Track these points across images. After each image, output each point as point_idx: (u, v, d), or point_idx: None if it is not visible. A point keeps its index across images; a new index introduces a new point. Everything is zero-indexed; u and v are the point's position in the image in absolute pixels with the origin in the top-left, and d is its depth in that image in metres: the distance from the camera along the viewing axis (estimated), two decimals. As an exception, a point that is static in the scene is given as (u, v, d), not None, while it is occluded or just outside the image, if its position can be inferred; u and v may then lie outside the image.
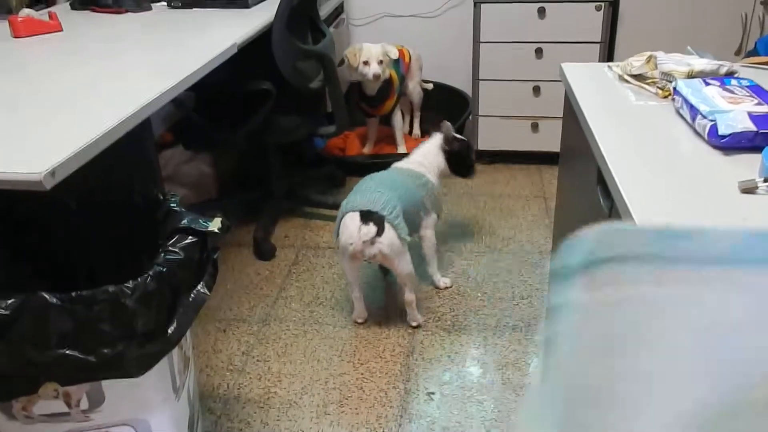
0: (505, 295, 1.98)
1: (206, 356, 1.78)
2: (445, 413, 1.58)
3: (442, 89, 2.96)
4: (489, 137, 2.68)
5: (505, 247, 2.21)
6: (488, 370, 1.71)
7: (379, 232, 1.69)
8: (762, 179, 0.82)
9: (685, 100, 1.02)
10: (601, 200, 0.98)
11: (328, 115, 2.35)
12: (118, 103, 1.22)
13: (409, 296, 1.83)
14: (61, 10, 2.17)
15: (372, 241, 1.69)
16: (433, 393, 1.64)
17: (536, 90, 2.55)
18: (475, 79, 2.58)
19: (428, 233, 1.95)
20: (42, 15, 1.83)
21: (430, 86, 2.88)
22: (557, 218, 1.54)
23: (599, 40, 2.44)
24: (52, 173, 0.97)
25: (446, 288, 2.02)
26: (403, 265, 1.78)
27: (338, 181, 2.61)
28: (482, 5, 2.46)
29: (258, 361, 1.77)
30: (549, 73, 2.51)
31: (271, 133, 2.09)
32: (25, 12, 1.81)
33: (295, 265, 2.18)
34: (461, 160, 2.01)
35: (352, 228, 1.69)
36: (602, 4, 2.38)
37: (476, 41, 2.52)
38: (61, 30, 1.82)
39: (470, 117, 2.70)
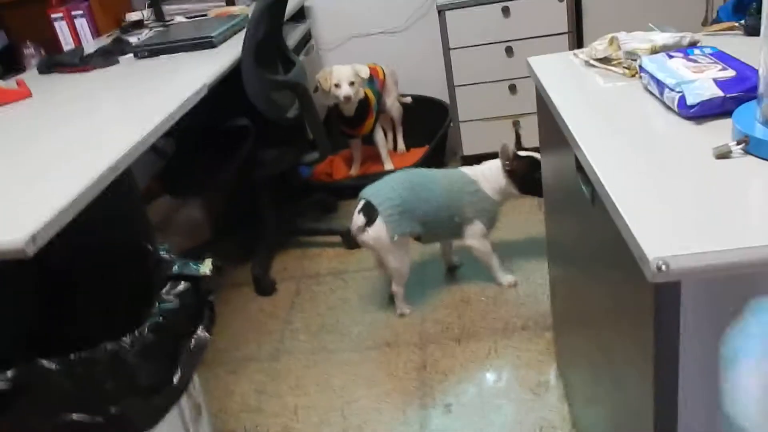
0: (509, 296, 1.97)
1: (219, 400, 1.77)
2: (466, 423, 1.55)
3: (420, 101, 2.97)
4: (473, 141, 2.68)
5: (501, 249, 2.20)
6: (503, 373, 1.69)
7: (369, 223, 1.83)
8: (735, 143, 0.81)
9: (652, 76, 1.02)
10: (583, 187, 0.98)
11: (310, 142, 2.35)
12: (95, 158, 1.22)
13: (394, 288, 1.95)
14: (29, 76, 2.18)
15: (362, 230, 1.84)
16: (450, 405, 1.62)
17: (512, 88, 2.56)
18: (451, 86, 2.59)
19: (473, 243, 1.94)
20: (9, 83, 1.84)
21: (408, 100, 2.89)
22: (547, 211, 1.53)
23: (566, 30, 2.45)
24: (33, 239, 0.97)
25: (511, 286, 1.99)
26: (390, 259, 1.88)
27: (330, 206, 2.61)
28: (446, 12, 2.48)
29: (272, 397, 1.75)
30: (522, 69, 2.48)
31: (255, 168, 2.09)
32: (-7, 84, 1.83)
33: (297, 296, 2.17)
34: (526, 177, 1.91)
35: (353, 215, 1.88)
36: (563, -5, 2.40)
37: (446, 48, 2.53)
38: (31, 95, 1.83)
39: (451, 124, 2.71)
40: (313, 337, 1.96)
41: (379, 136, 2.70)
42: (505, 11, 2.45)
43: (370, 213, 1.83)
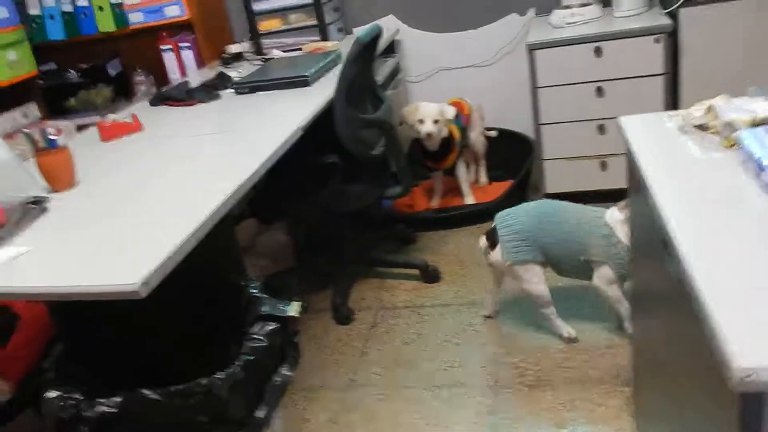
0: (588, 346, 1.93)
1: (295, 427, 1.83)
2: (536, 477, 1.54)
3: (505, 135, 2.97)
4: (557, 180, 2.65)
5: (585, 295, 2.16)
6: (577, 426, 1.66)
7: (492, 246, 1.95)
8: (839, 239, 0.78)
9: (750, 153, 1.00)
10: (669, 265, 0.97)
11: (393, 174, 2.41)
12: (201, 201, 1.33)
13: (541, 311, 1.98)
14: (141, 107, 2.37)
15: (486, 252, 1.97)
16: (521, 455, 1.61)
17: (601, 128, 2.51)
18: (537, 124, 2.58)
19: (600, 285, 1.89)
20: (126, 117, 2.01)
21: (494, 134, 2.90)
22: (633, 264, 1.50)
23: (662, 71, 2.39)
24: (146, 282, 1.06)
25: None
26: (522, 283, 1.94)
27: (408, 238, 2.66)
28: (536, 51, 2.48)
29: (344, 428, 1.80)
30: (612, 110, 2.47)
31: (340, 203, 2.17)
32: (111, 117, 2.00)
33: (373, 327, 2.22)
34: None
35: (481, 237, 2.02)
36: (661, 35, 2.34)
37: (534, 87, 2.53)
38: (142, 129, 2.00)
39: (536, 161, 2.69)
40: (387, 370, 2.00)
41: (461, 170, 2.73)
42: (598, 51, 2.41)
43: (494, 237, 1.94)
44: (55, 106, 2.96)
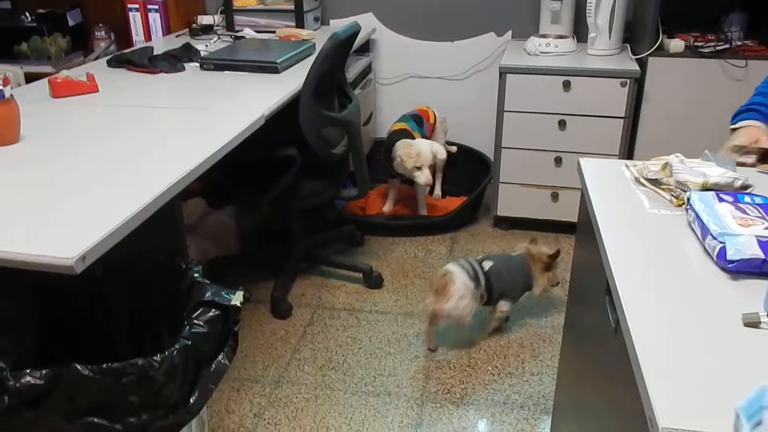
0: (515, 371, 1.98)
1: (219, 417, 1.80)
2: (450, 495, 1.56)
3: (465, 151, 3.00)
4: (508, 204, 2.70)
5: (519, 320, 2.21)
6: (495, 451, 1.70)
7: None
8: (766, 314, 0.82)
9: (697, 216, 1.04)
10: (609, 312, 1.00)
11: (350, 174, 2.40)
12: (150, 178, 1.28)
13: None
14: (98, 66, 2.27)
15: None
16: (438, 472, 1.63)
17: (558, 161, 2.57)
18: (498, 147, 2.62)
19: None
20: (80, 76, 1.92)
21: (454, 149, 2.93)
22: (570, 303, 1.54)
23: (623, 115, 2.46)
24: (83, 258, 1.02)
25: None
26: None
27: (356, 240, 2.65)
28: (507, 75, 2.51)
29: (269, 424, 1.78)
30: (571, 144, 2.54)
31: (294, 198, 2.14)
32: (64, 73, 1.90)
33: (310, 325, 2.20)
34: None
35: None
36: (627, 80, 2.41)
37: (500, 109, 2.56)
38: (98, 91, 1.91)
39: (491, 182, 2.73)
40: (318, 370, 1.99)
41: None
42: (566, 85, 2.47)
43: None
44: (4, 49, 2.80)
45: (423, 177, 2.51)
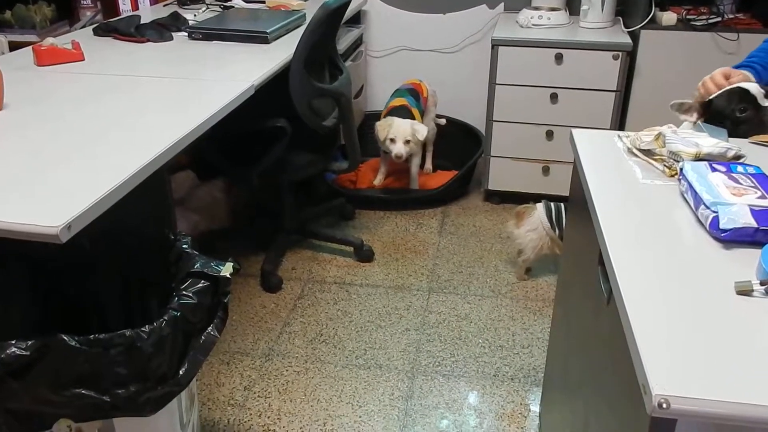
0: (505, 343, 1.99)
1: (209, 389, 1.81)
2: (440, 464, 1.58)
3: (456, 125, 2.98)
4: (499, 178, 2.69)
5: (510, 292, 2.22)
6: (485, 420, 1.71)
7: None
8: (758, 282, 0.83)
9: (690, 186, 1.03)
10: (601, 283, 0.99)
11: (341, 147, 2.38)
12: (137, 148, 1.26)
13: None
14: (84, 35, 2.22)
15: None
16: (429, 442, 1.64)
17: (549, 134, 2.56)
18: (489, 120, 2.60)
19: None
20: (65, 44, 1.88)
21: (443, 122, 2.91)
22: (561, 279, 1.55)
23: (615, 88, 2.45)
24: (69, 227, 1.00)
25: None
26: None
27: (347, 214, 2.64)
28: (500, 47, 2.48)
29: (259, 397, 1.79)
30: (563, 118, 2.53)
31: (284, 171, 2.12)
32: (49, 41, 1.86)
33: (300, 299, 2.20)
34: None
35: None
36: (620, 53, 2.40)
37: (492, 83, 2.54)
38: (83, 59, 1.87)
39: (482, 156, 2.72)
40: (308, 343, 1.99)
41: (416, 155, 2.72)
42: (559, 58, 2.45)
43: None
44: (-13, 17, 2.73)
45: (396, 148, 2.50)
